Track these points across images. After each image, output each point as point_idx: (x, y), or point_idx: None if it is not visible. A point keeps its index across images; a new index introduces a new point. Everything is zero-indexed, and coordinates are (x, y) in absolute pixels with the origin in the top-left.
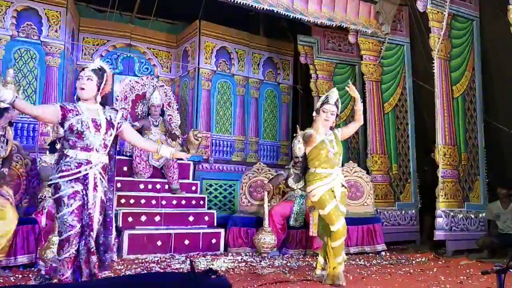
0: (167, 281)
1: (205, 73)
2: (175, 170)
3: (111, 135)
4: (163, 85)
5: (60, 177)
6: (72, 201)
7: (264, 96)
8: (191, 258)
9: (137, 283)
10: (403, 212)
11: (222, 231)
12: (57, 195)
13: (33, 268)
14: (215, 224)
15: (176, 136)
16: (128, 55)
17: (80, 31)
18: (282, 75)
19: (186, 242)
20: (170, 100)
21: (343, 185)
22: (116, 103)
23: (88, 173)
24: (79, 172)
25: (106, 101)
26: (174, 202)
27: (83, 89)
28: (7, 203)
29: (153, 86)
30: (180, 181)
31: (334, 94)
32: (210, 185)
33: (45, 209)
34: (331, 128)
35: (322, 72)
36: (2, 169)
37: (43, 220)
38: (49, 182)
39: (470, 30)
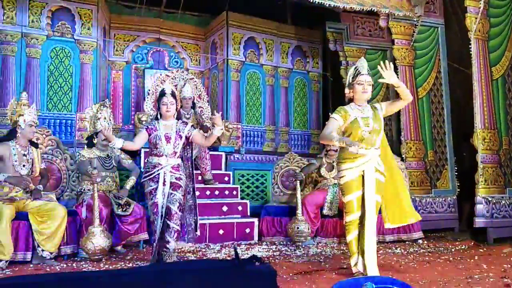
0: (213, 267)
1: (233, 64)
2: (208, 161)
3: (178, 144)
4: (193, 78)
5: (144, 178)
6: (152, 196)
7: (294, 85)
8: (235, 246)
9: (184, 270)
10: (440, 199)
11: (255, 220)
12: (145, 191)
13: (76, 258)
14: (248, 214)
15: (208, 128)
16: (158, 49)
17: (111, 28)
18: (311, 63)
19: (221, 232)
20: (200, 92)
21: (378, 170)
22: (147, 97)
23: (159, 173)
24: (154, 172)
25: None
26: (208, 192)
27: (169, 111)
28: (55, 201)
29: (183, 79)
30: (213, 171)
31: (364, 63)
32: (242, 176)
33: (85, 201)
34: (369, 102)
35: (352, 58)
36: (39, 186)
37: (83, 212)
38: (141, 181)
39: (511, 7)
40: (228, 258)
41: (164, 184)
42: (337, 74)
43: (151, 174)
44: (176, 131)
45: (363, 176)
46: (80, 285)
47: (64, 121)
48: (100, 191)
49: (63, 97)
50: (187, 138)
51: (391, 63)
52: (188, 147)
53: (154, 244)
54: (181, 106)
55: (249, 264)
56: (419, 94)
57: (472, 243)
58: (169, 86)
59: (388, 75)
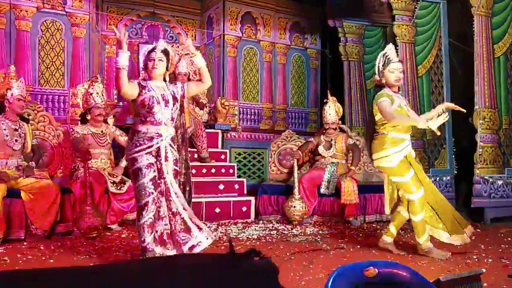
0: (204, 262)
1: (230, 39)
2: (204, 139)
3: (176, 108)
4: (189, 53)
5: (135, 152)
6: (149, 170)
7: (291, 62)
8: (230, 238)
9: (172, 265)
10: (438, 178)
11: (252, 199)
12: (134, 167)
13: (70, 236)
14: (245, 192)
15: (203, 104)
16: (153, 23)
17: (104, 1)
18: (310, 40)
19: (217, 210)
20: (196, 68)
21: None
22: (142, 72)
23: (160, 146)
24: (152, 146)
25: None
26: (204, 171)
27: (155, 68)
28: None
29: (178, 54)
30: (209, 150)
31: (393, 49)
32: (239, 154)
33: (78, 178)
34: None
35: (351, 35)
36: (31, 163)
37: (77, 190)
38: (127, 158)
39: None
40: (224, 252)
41: (166, 161)
42: (336, 51)
43: (148, 147)
44: (171, 94)
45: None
46: (54, 283)
47: (56, 97)
48: (94, 168)
49: (55, 72)
50: (181, 98)
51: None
52: (180, 113)
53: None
54: (177, 83)
55: (247, 260)
56: (418, 72)
57: (470, 223)
58: (163, 43)
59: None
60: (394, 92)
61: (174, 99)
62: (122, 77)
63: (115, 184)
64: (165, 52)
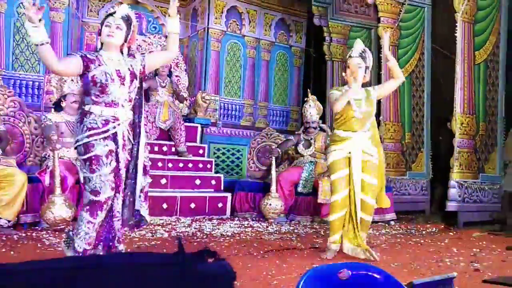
0: (150, 263)
1: (214, 33)
2: (182, 133)
3: (135, 87)
4: None
5: (88, 136)
6: (110, 160)
7: (275, 59)
8: (180, 237)
9: (112, 265)
10: (414, 181)
11: (229, 195)
12: (90, 154)
13: (37, 227)
14: (222, 188)
15: (184, 98)
16: (136, 13)
17: None
18: (295, 38)
19: (192, 205)
20: (178, 61)
21: (366, 153)
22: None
23: (117, 131)
24: (108, 130)
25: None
26: (181, 165)
27: (111, 36)
28: (14, 166)
29: (160, 45)
30: (187, 144)
31: (358, 44)
32: (218, 149)
33: (48, 168)
34: (364, 86)
35: (337, 35)
36: None
37: (46, 179)
38: (76, 144)
39: None
40: (173, 252)
41: (124, 149)
42: (320, 50)
43: (104, 132)
44: (129, 69)
45: (349, 157)
46: None
47: (31, 83)
48: (66, 158)
49: (30, 57)
50: (141, 73)
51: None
52: (141, 90)
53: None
54: (157, 74)
55: (199, 261)
56: None
57: (443, 226)
58: (126, 7)
59: (386, 40)
60: (353, 87)
61: (132, 75)
62: (44, 55)
63: None
64: (126, 19)
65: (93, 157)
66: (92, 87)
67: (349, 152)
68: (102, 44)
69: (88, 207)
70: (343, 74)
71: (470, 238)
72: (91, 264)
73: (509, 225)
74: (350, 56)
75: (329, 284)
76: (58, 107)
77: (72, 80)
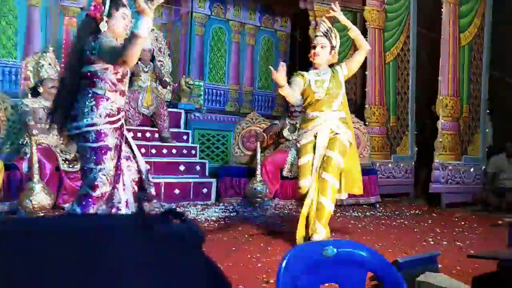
0: (105, 224)
1: (198, 17)
2: (166, 118)
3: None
4: (153, 29)
5: (107, 123)
6: (116, 154)
7: (261, 44)
8: (140, 195)
9: (69, 227)
10: (399, 164)
11: (213, 180)
12: (101, 144)
13: (15, 216)
14: (207, 174)
15: (167, 83)
16: None
17: None
18: (280, 22)
19: (177, 191)
20: (161, 45)
21: (335, 132)
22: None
23: (122, 123)
24: (120, 119)
25: None
26: (165, 151)
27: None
28: None
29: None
30: (171, 130)
31: (322, 24)
32: (203, 136)
33: (26, 155)
34: (332, 66)
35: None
36: None
37: (24, 166)
38: (89, 128)
39: None
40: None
41: (126, 143)
42: (306, 35)
43: (118, 121)
44: None
45: (315, 138)
46: None
47: (8, 68)
48: (45, 144)
49: (7, 43)
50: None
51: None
52: None
53: None
54: (140, 59)
55: (162, 223)
56: (386, 58)
57: (426, 208)
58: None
59: (339, 14)
60: (316, 69)
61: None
62: (139, 48)
63: (67, 162)
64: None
65: (103, 147)
66: (112, 74)
67: (315, 134)
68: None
69: (82, 200)
70: (309, 55)
71: (453, 218)
72: (46, 226)
73: (490, 205)
74: (315, 36)
75: (313, 261)
76: (35, 92)
77: (50, 64)
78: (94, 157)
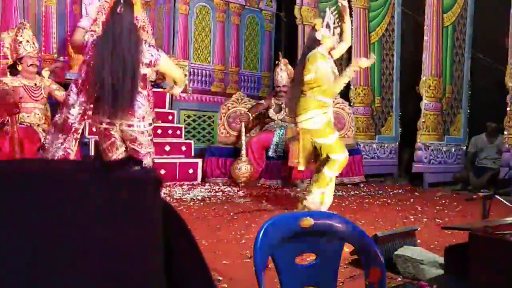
0: (62, 169)
1: None
2: (150, 99)
3: None
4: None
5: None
6: None
7: (246, 24)
8: (95, 140)
9: (23, 171)
10: (383, 145)
11: (199, 161)
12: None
13: None
14: (193, 154)
15: None
16: None
17: None
18: (265, 1)
19: (162, 171)
20: (144, 24)
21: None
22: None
23: None
24: None
25: None
26: None
27: None
28: None
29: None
30: (156, 110)
31: (333, 15)
32: (188, 116)
33: (8, 134)
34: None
35: None
36: None
37: (6, 146)
38: (152, 126)
39: None
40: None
41: None
42: (291, 14)
43: None
44: None
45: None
46: None
47: None
48: (27, 124)
49: None
50: None
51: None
52: None
53: None
54: None
55: (120, 168)
56: (371, 38)
57: (409, 187)
58: None
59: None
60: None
61: None
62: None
63: None
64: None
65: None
66: None
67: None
68: None
69: None
70: (326, 33)
71: (434, 197)
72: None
73: (470, 184)
74: (336, 26)
75: (290, 231)
76: (14, 70)
77: (28, 41)
78: (151, 145)
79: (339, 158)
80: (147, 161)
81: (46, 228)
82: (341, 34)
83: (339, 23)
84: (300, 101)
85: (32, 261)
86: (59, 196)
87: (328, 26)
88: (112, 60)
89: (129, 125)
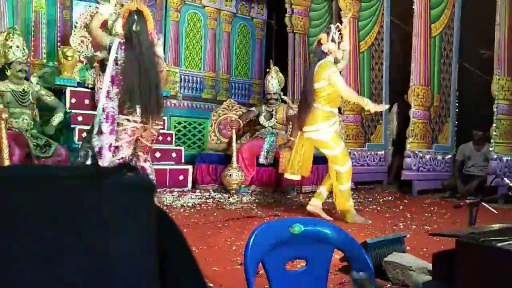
0: (57, 175)
1: (173, 2)
2: None
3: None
4: None
5: None
6: None
7: (237, 31)
8: (86, 148)
9: (18, 176)
10: (373, 153)
11: (190, 167)
12: None
13: None
14: (183, 161)
15: None
16: None
17: None
18: (256, 9)
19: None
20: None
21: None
22: (74, 31)
23: None
24: None
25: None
26: None
27: None
28: None
29: (115, 13)
30: None
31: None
32: (179, 123)
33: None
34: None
35: (298, 6)
36: None
37: None
38: None
39: None
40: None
41: None
42: (282, 22)
43: None
44: None
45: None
46: None
47: None
48: (15, 129)
49: None
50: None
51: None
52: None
53: None
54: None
55: (114, 174)
56: (360, 48)
57: (398, 195)
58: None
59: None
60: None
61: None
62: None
63: (39, 147)
64: None
65: None
66: None
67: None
68: None
69: None
70: (332, 47)
71: (423, 204)
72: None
73: (458, 191)
74: (333, 40)
75: (281, 238)
76: (2, 75)
77: (18, 46)
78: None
79: (342, 169)
80: (147, 165)
81: (42, 232)
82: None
83: (340, 40)
84: (309, 112)
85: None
86: (56, 200)
87: (333, 40)
88: (140, 76)
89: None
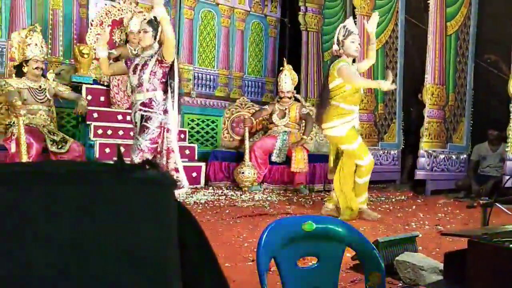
0: (83, 170)
1: (187, 0)
2: None
3: (144, 73)
4: (142, 11)
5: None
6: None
7: (250, 29)
8: (118, 144)
9: (48, 171)
10: (386, 152)
11: (203, 165)
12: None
13: None
14: (196, 158)
15: None
16: None
17: None
18: (270, 7)
19: None
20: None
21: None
22: (90, 29)
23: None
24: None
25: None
26: None
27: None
28: None
29: (130, 11)
30: None
31: (352, 23)
32: (192, 120)
33: (14, 135)
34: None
35: (312, 4)
36: None
37: (12, 147)
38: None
39: None
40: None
41: (135, 126)
42: (295, 20)
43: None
44: (146, 60)
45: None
46: None
47: None
48: (32, 125)
49: None
50: (159, 62)
51: (377, 13)
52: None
53: None
54: (127, 41)
55: (137, 170)
56: None
57: (411, 194)
58: (148, 15)
59: (374, 23)
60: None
61: (145, 65)
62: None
63: (55, 143)
64: (151, 22)
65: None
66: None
67: (353, 125)
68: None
69: None
70: (337, 48)
71: (437, 204)
72: (23, 168)
73: (473, 192)
74: (352, 32)
75: (293, 235)
76: (19, 72)
77: (36, 44)
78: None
79: (363, 163)
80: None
81: (76, 226)
82: (367, 54)
83: (345, 36)
84: (326, 110)
85: (64, 255)
86: (88, 195)
87: (337, 40)
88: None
89: None
